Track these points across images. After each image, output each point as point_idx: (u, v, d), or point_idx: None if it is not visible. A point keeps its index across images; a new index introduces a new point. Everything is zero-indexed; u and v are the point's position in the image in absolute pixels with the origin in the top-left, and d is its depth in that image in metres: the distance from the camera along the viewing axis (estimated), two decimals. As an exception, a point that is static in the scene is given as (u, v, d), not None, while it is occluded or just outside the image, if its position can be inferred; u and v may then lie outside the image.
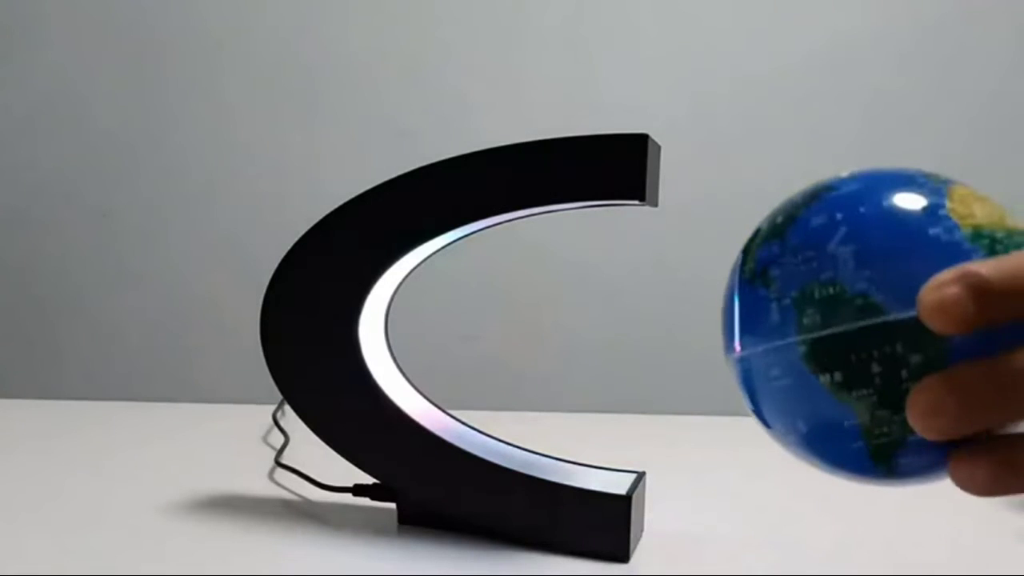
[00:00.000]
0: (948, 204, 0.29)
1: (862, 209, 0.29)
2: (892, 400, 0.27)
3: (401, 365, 0.54)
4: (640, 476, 0.50)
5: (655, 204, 0.48)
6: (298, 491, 0.59)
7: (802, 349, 0.28)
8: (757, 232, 0.32)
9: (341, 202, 0.50)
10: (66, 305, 1.26)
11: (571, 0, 1.15)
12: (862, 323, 0.27)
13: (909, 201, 0.29)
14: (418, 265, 0.52)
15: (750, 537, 0.51)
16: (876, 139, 1.11)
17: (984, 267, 0.25)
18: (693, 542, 0.50)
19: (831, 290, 0.28)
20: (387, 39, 1.17)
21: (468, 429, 0.53)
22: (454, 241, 0.50)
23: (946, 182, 0.30)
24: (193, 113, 1.21)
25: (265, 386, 0.55)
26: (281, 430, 0.72)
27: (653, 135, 0.45)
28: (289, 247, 0.52)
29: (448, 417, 0.53)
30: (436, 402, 0.54)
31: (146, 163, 1.23)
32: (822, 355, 0.28)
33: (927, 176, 0.31)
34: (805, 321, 0.28)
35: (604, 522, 0.46)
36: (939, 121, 1.13)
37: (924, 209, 0.28)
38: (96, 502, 0.57)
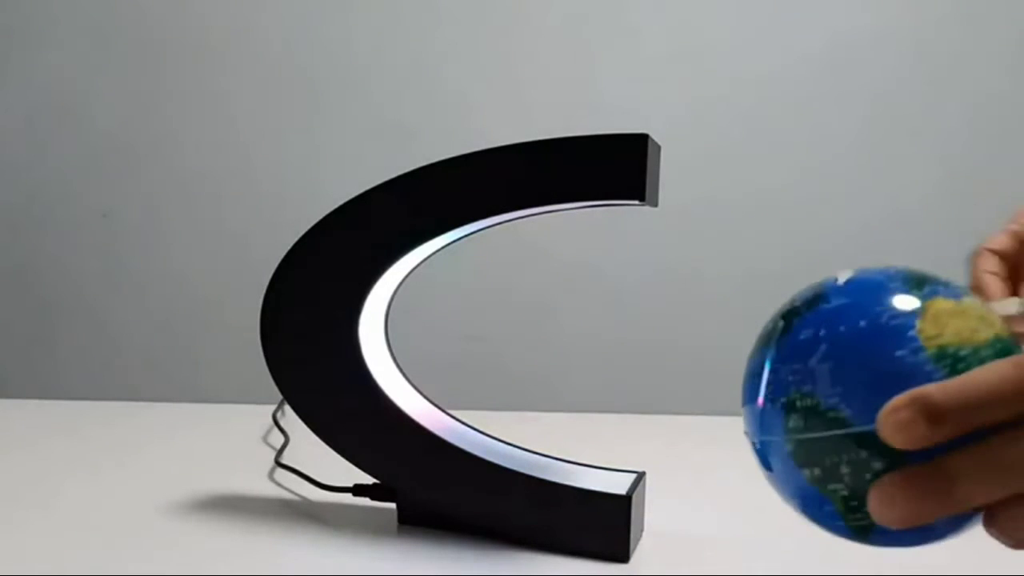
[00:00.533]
0: (919, 324, 0.33)
1: (842, 328, 0.34)
2: (860, 496, 0.33)
3: (401, 365, 0.54)
4: (640, 476, 0.50)
5: (655, 204, 0.48)
6: (298, 491, 0.59)
7: (788, 447, 0.34)
8: (773, 326, 0.37)
9: (341, 202, 0.50)
10: (66, 305, 1.26)
11: (572, 1, 1.16)
12: (833, 432, 0.33)
13: (885, 319, 0.33)
14: (418, 265, 0.52)
15: (750, 537, 0.51)
16: (876, 140, 1.11)
17: (935, 390, 0.29)
18: (693, 542, 0.50)
19: (809, 401, 0.33)
20: (387, 39, 1.17)
21: (468, 429, 0.53)
22: (454, 241, 0.50)
23: (928, 295, 0.34)
24: (193, 114, 1.22)
25: (265, 386, 0.55)
26: (281, 430, 0.72)
27: (653, 135, 0.45)
28: (289, 247, 0.52)
29: (448, 417, 0.53)
30: (436, 402, 0.54)
31: (146, 163, 1.23)
32: (803, 454, 0.34)
33: (913, 284, 0.35)
34: (790, 424, 0.34)
35: (604, 522, 0.46)
36: (939, 122, 1.13)
37: (895, 329, 0.33)
38: (96, 502, 0.57)
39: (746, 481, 0.63)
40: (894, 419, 0.29)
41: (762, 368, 0.35)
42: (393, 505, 0.53)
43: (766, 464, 0.36)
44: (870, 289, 0.35)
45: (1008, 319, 0.48)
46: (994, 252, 0.52)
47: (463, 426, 0.53)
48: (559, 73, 1.16)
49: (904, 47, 1.14)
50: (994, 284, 0.50)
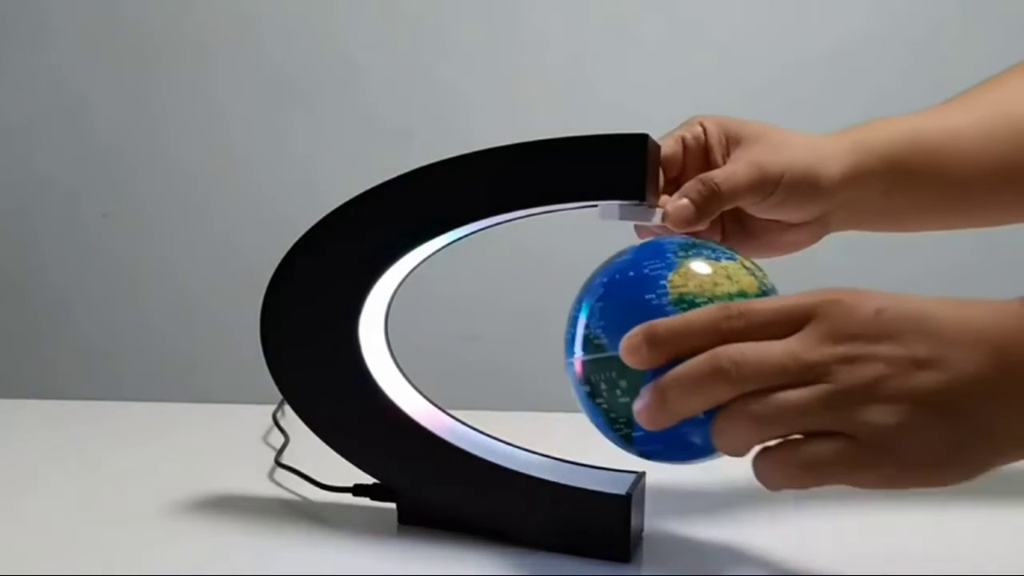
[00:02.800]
0: (670, 276, 0.41)
1: (617, 276, 0.43)
2: (616, 409, 0.41)
3: (401, 365, 0.54)
4: (640, 476, 0.50)
5: (655, 204, 0.48)
6: (298, 491, 0.59)
7: (575, 367, 0.43)
8: (592, 273, 0.45)
9: (341, 202, 0.50)
10: (66, 305, 1.26)
11: (572, 1, 1.16)
12: (595, 356, 0.42)
13: (647, 271, 0.42)
14: (418, 265, 0.52)
15: (750, 537, 0.51)
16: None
17: (659, 323, 0.38)
18: (693, 542, 0.50)
19: (587, 331, 0.42)
20: (387, 39, 1.17)
21: (468, 429, 0.53)
22: (454, 241, 0.50)
23: (691, 256, 0.42)
24: (193, 114, 1.22)
25: (265, 386, 0.55)
26: (281, 430, 0.72)
27: (653, 135, 0.45)
28: (289, 247, 0.52)
29: (448, 417, 0.53)
30: (436, 402, 0.54)
31: (146, 164, 1.23)
32: (583, 373, 0.43)
33: (685, 247, 0.43)
34: (575, 349, 0.43)
35: (604, 522, 0.46)
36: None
37: (650, 279, 0.41)
38: (96, 502, 0.57)
39: (746, 481, 0.63)
40: (626, 344, 0.38)
41: (577, 304, 0.44)
42: (393, 505, 0.53)
43: (572, 383, 0.44)
44: (651, 249, 0.43)
45: (642, 228, 0.53)
46: None
47: (463, 426, 0.53)
48: (559, 74, 1.16)
49: (904, 50, 1.14)
50: None
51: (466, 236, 0.50)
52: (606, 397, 0.42)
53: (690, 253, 0.42)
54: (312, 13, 1.19)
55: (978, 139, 0.55)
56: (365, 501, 0.54)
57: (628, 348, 0.38)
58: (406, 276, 0.53)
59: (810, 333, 0.36)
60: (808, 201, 0.51)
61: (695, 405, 0.37)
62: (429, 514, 0.51)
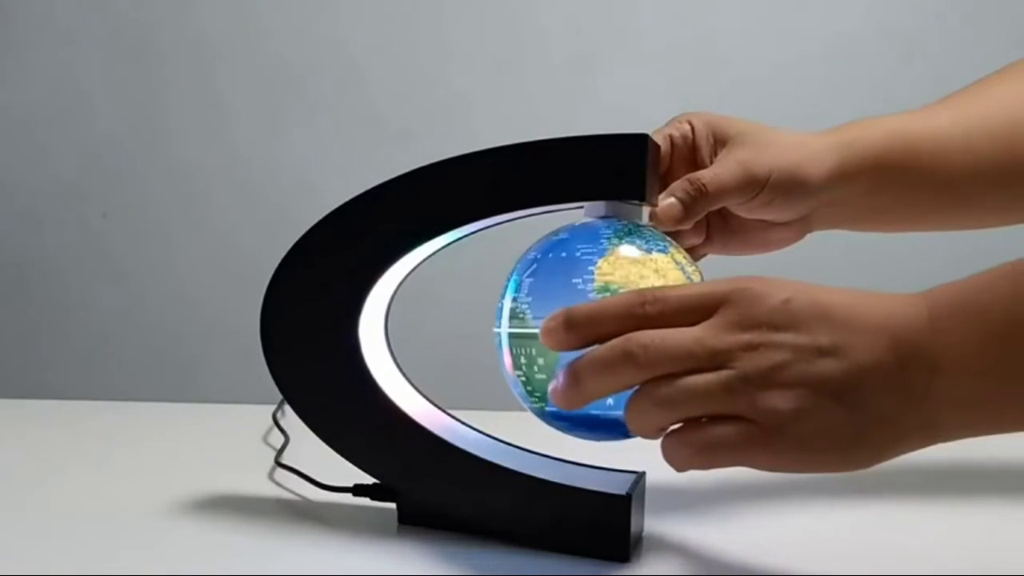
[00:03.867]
0: (599, 263, 0.42)
1: (551, 255, 0.44)
2: (533, 383, 0.44)
3: (401, 365, 0.54)
4: (640, 476, 0.50)
5: (655, 204, 0.48)
6: (298, 491, 0.59)
7: (501, 337, 0.45)
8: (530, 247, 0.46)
9: (341, 202, 0.50)
10: (66, 305, 1.26)
11: (572, 2, 1.16)
12: (518, 329, 0.44)
13: (579, 254, 0.43)
14: (418, 265, 0.52)
15: (750, 537, 0.51)
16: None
17: (577, 308, 0.39)
18: (693, 542, 0.50)
19: (514, 304, 0.44)
20: (387, 40, 1.17)
21: (468, 429, 0.53)
22: (454, 241, 0.50)
23: (625, 243, 0.43)
24: (193, 114, 1.22)
25: (265, 386, 0.55)
26: (281, 430, 0.72)
27: (654, 136, 0.45)
28: (289, 247, 0.52)
29: (448, 417, 0.53)
30: (436, 402, 0.54)
31: (146, 164, 1.23)
32: (506, 343, 0.45)
33: (621, 233, 0.44)
34: (502, 319, 0.45)
35: (604, 522, 0.46)
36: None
37: (581, 263, 0.42)
38: (96, 502, 0.57)
39: (746, 481, 0.63)
40: (546, 326, 0.39)
41: (510, 275, 0.46)
42: (393, 505, 0.53)
43: (497, 350, 0.46)
44: (588, 231, 0.44)
45: None
46: None
47: (463, 426, 0.53)
48: (559, 74, 1.16)
49: (902, 48, 1.14)
50: None
51: (466, 236, 0.50)
52: (524, 371, 0.44)
53: (623, 241, 0.43)
54: (313, 13, 1.19)
55: (963, 140, 0.55)
56: (365, 501, 0.54)
57: (547, 330, 0.40)
58: (406, 276, 0.53)
59: (718, 321, 0.37)
60: (794, 201, 0.52)
61: (606, 388, 0.38)
62: (429, 514, 0.51)
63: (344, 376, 0.51)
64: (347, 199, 0.50)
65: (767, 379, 0.36)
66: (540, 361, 0.42)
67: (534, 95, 1.16)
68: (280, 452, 0.66)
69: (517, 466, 0.49)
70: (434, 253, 0.51)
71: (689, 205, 0.49)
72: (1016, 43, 1.12)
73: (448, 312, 1.16)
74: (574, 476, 0.49)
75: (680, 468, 0.39)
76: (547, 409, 0.44)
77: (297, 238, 0.52)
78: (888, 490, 0.61)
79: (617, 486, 0.47)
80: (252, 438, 0.75)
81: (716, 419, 0.37)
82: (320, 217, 0.51)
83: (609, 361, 0.38)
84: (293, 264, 0.52)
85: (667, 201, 0.49)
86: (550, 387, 0.40)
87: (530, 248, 0.46)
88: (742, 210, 0.53)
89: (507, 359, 0.46)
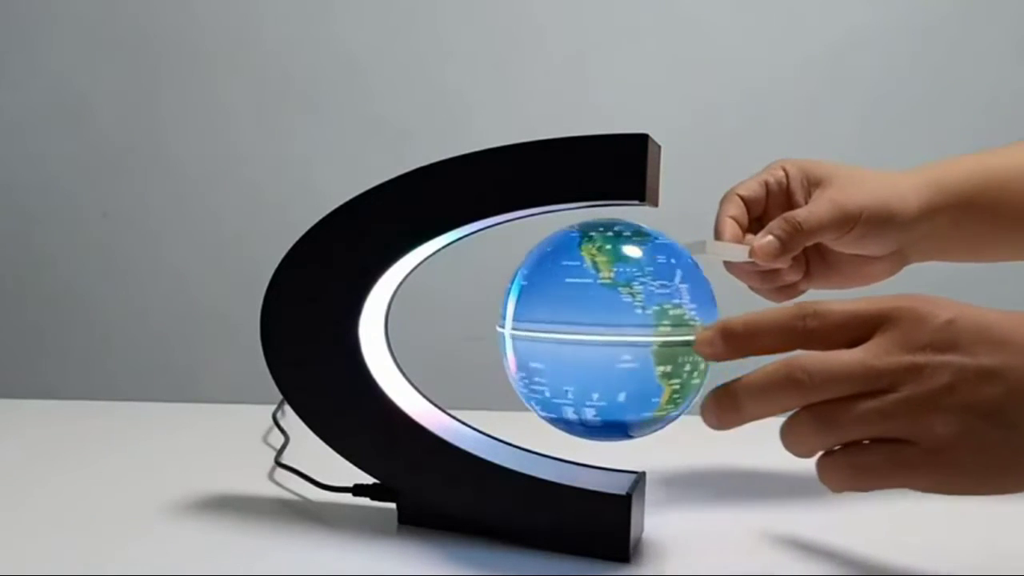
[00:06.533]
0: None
1: (687, 260, 0.46)
2: (681, 389, 0.44)
3: (401, 365, 0.54)
4: (640, 476, 0.50)
5: (655, 204, 0.48)
6: (298, 491, 0.59)
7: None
8: (597, 245, 0.45)
9: (341, 202, 0.50)
10: (66, 305, 1.26)
11: (572, 3, 1.16)
12: (686, 337, 0.42)
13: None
14: (418, 265, 0.52)
15: (750, 537, 0.51)
16: (877, 142, 1.11)
17: (734, 320, 0.39)
18: (693, 542, 0.50)
19: (677, 311, 0.43)
20: (387, 40, 1.17)
21: (468, 429, 0.53)
22: (454, 241, 0.50)
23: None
24: (193, 114, 1.22)
25: (265, 386, 0.55)
26: (281, 430, 0.72)
27: (654, 136, 0.45)
28: (289, 247, 0.52)
29: (448, 417, 0.53)
30: (436, 402, 0.54)
31: (146, 164, 1.23)
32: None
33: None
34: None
35: (604, 522, 0.46)
36: (941, 125, 1.13)
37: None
38: (96, 502, 0.57)
39: (746, 481, 0.63)
40: (701, 337, 0.40)
41: (616, 281, 0.45)
42: (393, 505, 0.53)
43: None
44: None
45: (730, 264, 0.54)
46: (741, 197, 0.55)
47: (463, 426, 0.53)
48: (559, 74, 1.16)
49: (904, 49, 1.14)
50: (729, 228, 0.54)
51: (466, 236, 0.50)
52: (684, 379, 0.44)
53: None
54: (312, 14, 1.19)
55: None
56: (365, 501, 0.54)
57: (703, 340, 0.40)
58: (406, 276, 0.53)
59: (880, 341, 0.37)
60: (886, 235, 0.55)
61: (766, 411, 0.38)
62: (429, 514, 0.51)
63: (344, 376, 0.51)
64: (347, 199, 0.50)
65: (930, 403, 0.36)
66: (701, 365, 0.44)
67: (534, 95, 1.16)
68: (280, 452, 0.66)
69: (517, 466, 0.49)
70: (434, 253, 0.51)
71: (786, 241, 0.52)
72: (1016, 43, 1.12)
73: (448, 312, 1.16)
74: (574, 476, 0.49)
75: (836, 489, 0.39)
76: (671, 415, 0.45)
77: (297, 238, 0.52)
78: (888, 491, 0.61)
79: (617, 486, 0.47)
80: (252, 438, 0.75)
81: (876, 441, 0.37)
82: (320, 217, 0.51)
83: (772, 386, 0.37)
84: (293, 264, 0.52)
85: (765, 239, 0.52)
86: (706, 406, 0.39)
87: (629, 247, 0.45)
88: (838, 245, 0.55)
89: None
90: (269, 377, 0.53)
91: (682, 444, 0.75)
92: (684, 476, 0.63)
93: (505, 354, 0.47)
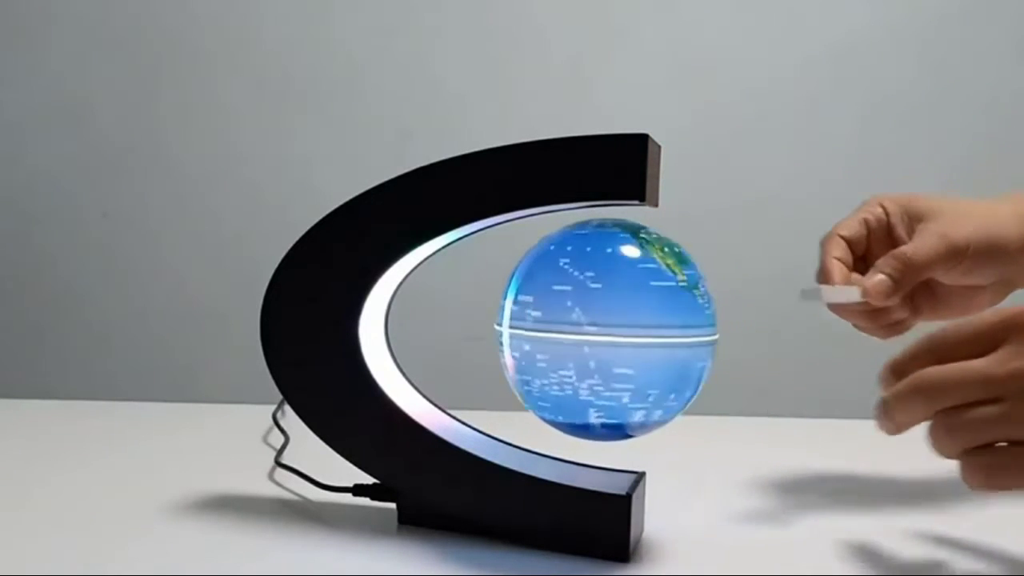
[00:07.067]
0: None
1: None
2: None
3: (401, 365, 0.54)
4: (640, 476, 0.50)
5: (655, 204, 0.48)
6: (298, 491, 0.59)
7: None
8: (659, 246, 0.46)
9: (341, 202, 0.50)
10: (66, 305, 1.26)
11: (572, 4, 1.15)
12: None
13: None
14: (418, 265, 0.52)
15: (750, 537, 0.51)
16: (877, 143, 1.11)
17: (926, 375, 0.41)
18: (693, 542, 0.50)
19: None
20: (387, 40, 1.17)
21: (468, 429, 0.53)
22: (454, 241, 0.50)
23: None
24: (193, 114, 1.22)
25: (265, 386, 0.55)
26: (281, 430, 0.72)
27: (653, 136, 0.45)
28: (289, 247, 0.52)
29: (448, 417, 0.53)
30: (436, 402, 0.54)
31: (146, 163, 1.23)
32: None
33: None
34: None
35: (604, 522, 0.46)
36: (941, 125, 1.13)
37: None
38: (96, 502, 0.57)
39: (746, 481, 0.63)
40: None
41: (689, 284, 0.46)
42: (393, 505, 0.53)
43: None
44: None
45: (835, 305, 0.54)
46: (843, 238, 0.56)
47: (463, 426, 0.53)
48: (558, 74, 1.16)
49: (905, 50, 1.14)
50: (837, 270, 0.54)
51: (466, 236, 0.50)
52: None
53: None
54: (312, 14, 1.19)
55: None
56: (365, 501, 0.54)
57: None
58: (406, 276, 0.53)
59: (1005, 350, 0.39)
60: (993, 265, 0.55)
61: (910, 419, 0.41)
62: (429, 514, 0.51)
63: (344, 376, 0.51)
64: (347, 199, 0.50)
65: None
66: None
67: (534, 95, 1.16)
68: (280, 452, 0.66)
69: (517, 466, 0.49)
70: (434, 253, 0.51)
71: (898, 279, 0.52)
72: (1018, 43, 1.12)
73: (448, 312, 1.16)
74: (574, 476, 0.49)
75: (975, 488, 0.41)
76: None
77: (297, 238, 0.52)
78: (890, 490, 0.61)
79: (617, 486, 0.47)
80: (252, 438, 0.75)
81: (1015, 444, 0.39)
82: (320, 217, 0.51)
83: (906, 396, 0.41)
84: (293, 264, 0.52)
85: (876, 278, 0.52)
86: (874, 413, 0.42)
87: (683, 252, 0.47)
88: (945, 278, 0.55)
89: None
90: (269, 377, 0.53)
91: (682, 444, 0.75)
92: (684, 476, 0.63)
93: (568, 364, 0.44)
